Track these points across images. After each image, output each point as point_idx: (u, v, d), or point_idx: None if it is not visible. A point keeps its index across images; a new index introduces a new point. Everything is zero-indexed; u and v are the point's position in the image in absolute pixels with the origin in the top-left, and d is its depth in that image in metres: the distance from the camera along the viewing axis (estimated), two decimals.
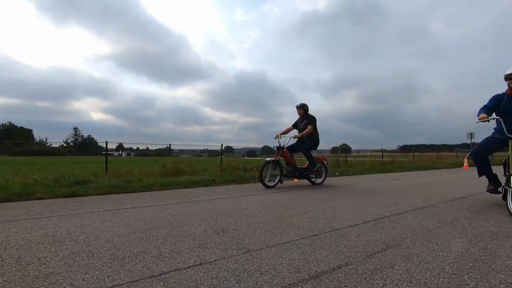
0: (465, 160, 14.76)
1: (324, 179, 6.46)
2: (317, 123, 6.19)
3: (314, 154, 6.50)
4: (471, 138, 21.41)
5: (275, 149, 5.97)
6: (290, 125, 6.45)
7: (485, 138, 3.77)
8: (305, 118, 6.13)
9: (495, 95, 3.66)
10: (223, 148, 11.38)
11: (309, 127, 5.97)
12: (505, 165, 3.51)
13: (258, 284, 1.43)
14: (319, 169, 6.31)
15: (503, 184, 3.38)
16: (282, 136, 6.14)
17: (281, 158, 5.90)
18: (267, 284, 1.44)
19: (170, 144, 12.77)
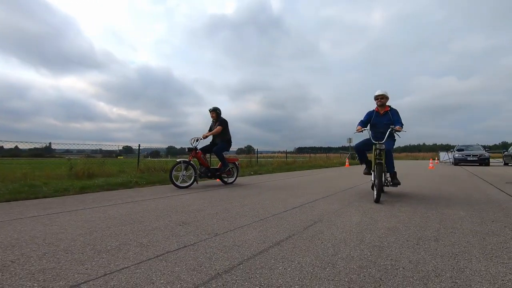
0: (347, 160, 18.37)
1: (235, 179, 6.86)
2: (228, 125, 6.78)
3: (227, 155, 7.11)
4: (349, 143, 26.54)
5: (187, 150, 6.13)
6: (207, 130, 6.72)
7: (363, 139, 5.11)
8: (218, 121, 6.48)
9: (368, 112, 5.03)
10: (121, 148, 10.87)
11: (218, 127, 6.35)
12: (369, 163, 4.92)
13: (240, 253, 1.92)
14: (230, 169, 6.64)
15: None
16: (195, 137, 6.28)
17: (195, 159, 6.15)
18: (247, 251, 1.94)
19: (50, 143, 10.85)
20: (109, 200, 4.16)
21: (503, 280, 1.51)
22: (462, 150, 18.96)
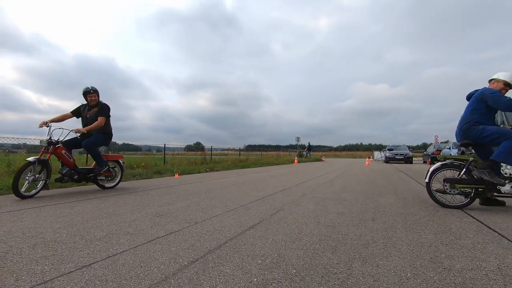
0: (296, 158, 19.62)
1: (118, 182, 5.36)
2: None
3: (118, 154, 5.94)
4: (298, 141, 28.20)
5: (44, 144, 4.34)
6: (69, 111, 4.95)
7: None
8: (97, 106, 4.86)
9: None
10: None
11: (99, 119, 4.73)
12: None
13: (223, 235, 2.25)
14: (111, 170, 5.14)
15: None
16: (52, 125, 4.50)
17: (52, 155, 4.42)
18: (228, 234, 2.28)
19: None
20: (70, 198, 4.06)
21: (416, 242, 2.13)
22: (392, 149, 21.72)
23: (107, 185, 5.13)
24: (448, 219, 2.86)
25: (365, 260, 1.76)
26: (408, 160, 19.81)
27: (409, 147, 23.28)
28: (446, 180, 3.42)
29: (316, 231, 2.38)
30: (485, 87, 3.34)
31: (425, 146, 33.57)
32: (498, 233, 2.36)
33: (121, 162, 5.50)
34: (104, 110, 4.88)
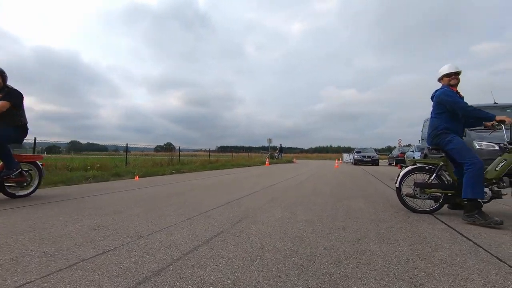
0: (267, 159, 19.45)
1: (35, 189, 4.28)
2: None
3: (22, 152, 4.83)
4: (269, 143, 28.15)
5: None
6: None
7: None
8: (3, 90, 3.81)
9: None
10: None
11: (2, 102, 3.68)
12: None
13: (169, 254, 1.85)
14: (25, 174, 4.10)
15: None
16: None
17: None
18: (177, 250, 1.88)
19: None
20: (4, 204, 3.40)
21: (392, 256, 1.88)
22: (360, 152, 22.36)
23: (19, 193, 4.04)
24: (420, 226, 2.69)
25: (336, 284, 1.46)
26: (374, 162, 20.47)
27: (375, 149, 24.15)
28: (416, 185, 3.29)
29: (281, 245, 2.06)
30: (441, 89, 3.23)
31: (390, 149, 35.20)
32: (473, 242, 2.20)
33: (39, 164, 4.36)
34: (12, 95, 3.79)
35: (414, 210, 3.35)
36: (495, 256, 1.90)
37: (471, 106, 2.98)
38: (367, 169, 14.14)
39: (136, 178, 7.39)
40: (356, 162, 21.33)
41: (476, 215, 2.74)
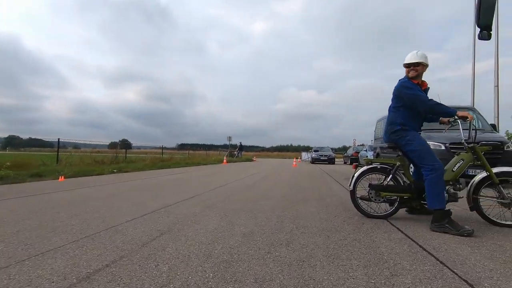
0: (225, 158, 18.76)
1: None
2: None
3: None
4: (229, 141, 27.48)
5: None
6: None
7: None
8: None
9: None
10: None
11: None
12: None
13: None
14: None
15: None
16: None
17: None
18: None
19: None
20: None
21: (342, 286, 1.40)
22: (318, 151, 22.77)
23: None
24: (375, 237, 2.29)
25: None
26: (331, 161, 20.95)
27: (332, 149, 24.84)
28: (371, 187, 2.94)
29: (197, 278, 1.47)
30: (402, 80, 2.88)
31: (345, 148, 36.73)
32: (436, 258, 1.83)
33: None
34: None
35: (368, 215, 3.00)
36: (463, 280, 1.52)
37: (431, 100, 2.67)
38: (324, 168, 14.23)
39: (61, 179, 6.26)
40: (314, 161, 21.66)
41: (447, 225, 2.42)
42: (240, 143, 28.72)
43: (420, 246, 2.06)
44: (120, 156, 12.31)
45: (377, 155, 8.94)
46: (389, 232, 2.45)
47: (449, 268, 1.66)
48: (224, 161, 17.82)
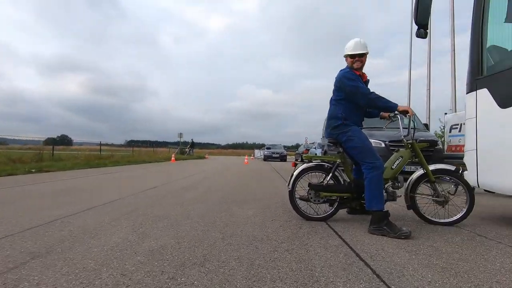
0: (173, 155, 17.72)
1: None
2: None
3: None
4: (180, 138, 26.25)
5: None
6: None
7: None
8: None
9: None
10: None
11: None
12: None
13: None
14: None
15: None
16: None
17: None
18: None
19: None
20: None
21: None
22: (270, 148, 22.91)
23: None
24: (311, 245, 2.00)
25: None
26: (283, 158, 21.22)
27: (285, 146, 25.27)
28: (310, 186, 2.68)
29: None
30: (343, 71, 2.64)
31: (297, 146, 37.79)
32: (372, 270, 1.57)
33: None
34: None
35: (306, 217, 2.73)
36: None
37: (373, 92, 2.48)
38: (275, 166, 14.21)
39: None
40: (266, 158, 21.72)
41: (385, 227, 2.24)
42: (192, 140, 27.65)
43: (357, 255, 1.81)
44: (45, 153, 10.69)
45: (325, 152, 9.05)
46: (326, 237, 2.19)
47: (387, 285, 1.40)
48: (172, 158, 16.80)
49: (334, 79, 2.72)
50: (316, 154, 13.98)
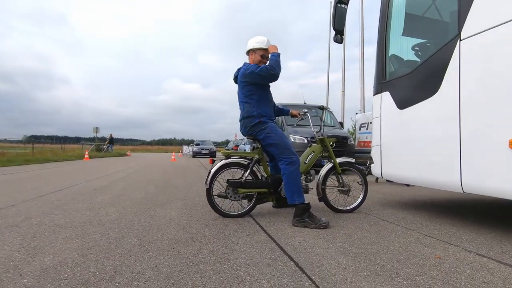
0: (86, 152, 15.62)
1: None
2: None
3: None
4: (96, 132, 23.36)
5: None
6: None
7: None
8: None
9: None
10: None
11: None
12: None
13: None
14: None
15: None
16: None
17: None
18: None
19: None
20: None
21: None
22: (199, 144, 22.36)
23: None
24: (237, 243, 1.95)
25: None
26: (212, 154, 20.97)
27: (215, 142, 25.01)
28: (229, 183, 2.64)
29: None
30: (245, 66, 2.66)
31: (227, 142, 37.96)
32: (295, 263, 1.61)
33: None
34: None
35: (224, 215, 2.69)
36: None
37: (270, 65, 2.49)
38: (203, 162, 13.89)
39: None
40: (195, 155, 21.14)
41: (307, 219, 2.37)
42: (111, 135, 24.88)
43: (281, 249, 1.84)
44: None
45: (253, 148, 9.29)
46: (252, 234, 2.17)
47: (308, 276, 1.44)
48: (86, 156, 14.80)
49: (237, 79, 2.72)
50: (245, 150, 14.22)
